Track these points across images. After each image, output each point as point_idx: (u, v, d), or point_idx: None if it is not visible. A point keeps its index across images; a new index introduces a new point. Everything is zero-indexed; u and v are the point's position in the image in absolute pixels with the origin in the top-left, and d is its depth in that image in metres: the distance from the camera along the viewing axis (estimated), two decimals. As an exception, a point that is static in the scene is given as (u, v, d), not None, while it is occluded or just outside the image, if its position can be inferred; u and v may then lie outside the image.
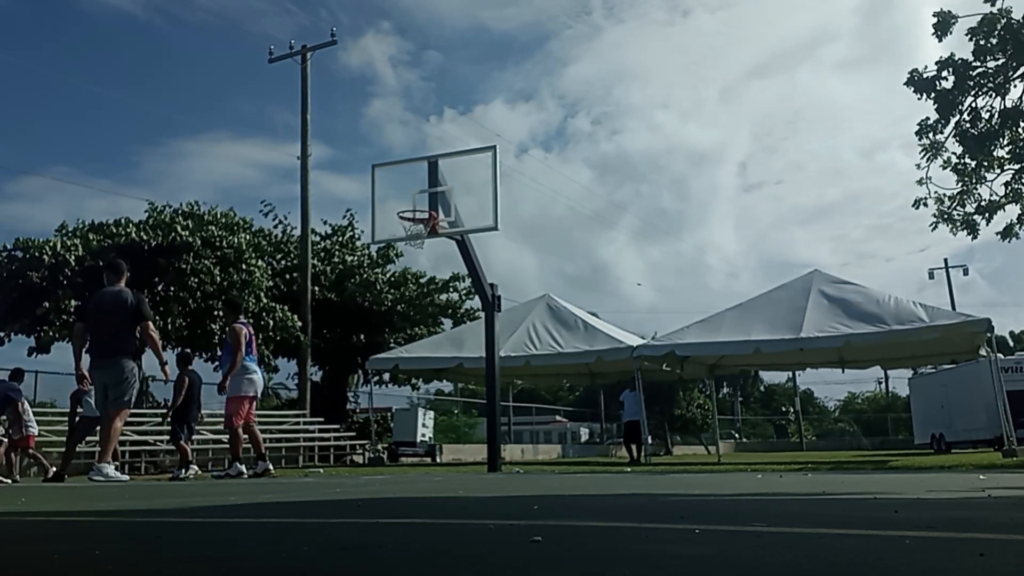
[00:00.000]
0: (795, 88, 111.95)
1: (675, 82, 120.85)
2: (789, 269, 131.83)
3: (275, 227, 23.58)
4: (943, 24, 12.22)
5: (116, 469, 8.38)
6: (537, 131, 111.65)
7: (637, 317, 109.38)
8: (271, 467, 9.52)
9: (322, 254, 23.68)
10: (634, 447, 17.50)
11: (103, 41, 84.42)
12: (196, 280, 17.79)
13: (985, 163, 12.59)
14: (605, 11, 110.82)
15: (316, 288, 22.24)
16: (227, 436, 10.11)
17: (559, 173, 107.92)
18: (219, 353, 20.39)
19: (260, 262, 19.94)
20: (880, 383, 55.30)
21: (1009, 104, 12.26)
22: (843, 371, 19.42)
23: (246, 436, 9.61)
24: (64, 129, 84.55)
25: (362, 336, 23.20)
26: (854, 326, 14.36)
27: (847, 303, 15.02)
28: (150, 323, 8.17)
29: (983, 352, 15.13)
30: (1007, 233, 13.04)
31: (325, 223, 24.95)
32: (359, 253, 24.32)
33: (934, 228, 13.37)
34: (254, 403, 9.71)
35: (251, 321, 15.20)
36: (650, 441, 20.05)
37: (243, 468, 9.39)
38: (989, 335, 14.59)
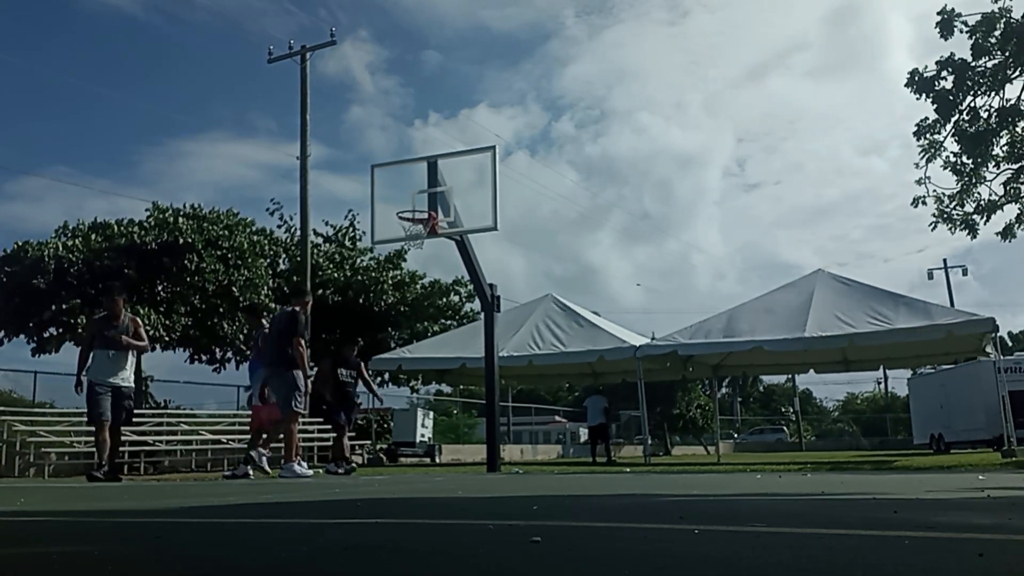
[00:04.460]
0: (794, 89, 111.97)
1: (670, 83, 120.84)
2: (785, 270, 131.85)
3: (279, 226, 23.61)
4: (947, 23, 12.21)
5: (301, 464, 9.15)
6: (523, 134, 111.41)
7: (629, 318, 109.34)
8: (250, 471, 9.36)
9: (335, 257, 23.56)
10: (600, 447, 19.05)
11: (103, 41, 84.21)
12: (199, 279, 17.77)
13: (980, 160, 12.58)
14: (605, 11, 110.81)
15: (321, 291, 22.15)
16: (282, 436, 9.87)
17: (553, 171, 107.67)
18: (219, 355, 20.30)
19: (262, 261, 19.91)
20: (879, 383, 55.34)
21: (1007, 103, 12.26)
22: (847, 370, 19.39)
23: (276, 436, 9.64)
24: (64, 129, 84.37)
25: (361, 339, 23.10)
26: (859, 325, 14.24)
27: (851, 302, 14.94)
28: (298, 339, 8.91)
29: (989, 351, 15.06)
30: (1007, 233, 13.04)
31: (326, 223, 24.98)
32: (366, 256, 24.27)
33: (933, 228, 13.37)
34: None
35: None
36: (650, 441, 20.29)
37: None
38: (994, 335, 14.48)
